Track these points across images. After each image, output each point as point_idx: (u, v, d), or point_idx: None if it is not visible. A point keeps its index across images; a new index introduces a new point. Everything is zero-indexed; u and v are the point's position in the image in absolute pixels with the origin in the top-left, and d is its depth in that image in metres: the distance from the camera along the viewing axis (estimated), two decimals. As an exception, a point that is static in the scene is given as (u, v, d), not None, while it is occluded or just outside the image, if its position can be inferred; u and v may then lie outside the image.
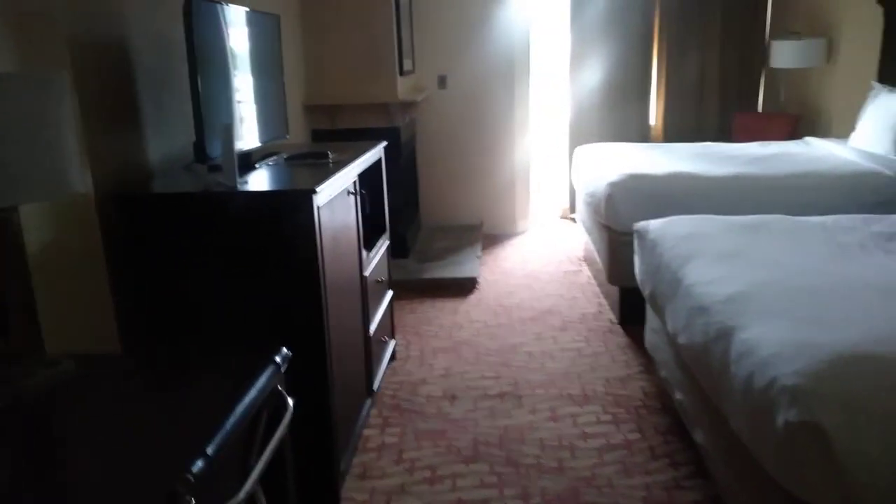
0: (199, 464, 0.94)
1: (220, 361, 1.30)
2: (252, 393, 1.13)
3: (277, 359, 1.27)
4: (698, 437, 2.12)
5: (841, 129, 4.41)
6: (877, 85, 3.97)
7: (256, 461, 1.13)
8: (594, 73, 5.34)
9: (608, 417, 2.65)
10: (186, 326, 2.02)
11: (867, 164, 3.44)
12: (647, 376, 2.95)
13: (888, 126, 3.62)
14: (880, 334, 1.52)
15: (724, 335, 1.77)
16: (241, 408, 1.08)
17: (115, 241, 1.97)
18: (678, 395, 2.34)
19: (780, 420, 1.41)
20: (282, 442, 1.21)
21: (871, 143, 3.69)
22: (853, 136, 3.93)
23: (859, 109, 3.99)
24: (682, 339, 2.07)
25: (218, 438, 0.99)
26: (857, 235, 2.35)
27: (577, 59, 5.31)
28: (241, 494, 1.01)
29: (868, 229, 2.41)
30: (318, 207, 1.98)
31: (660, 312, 2.38)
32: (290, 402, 1.27)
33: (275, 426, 1.24)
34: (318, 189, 1.96)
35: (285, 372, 1.31)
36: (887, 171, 3.31)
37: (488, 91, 5.10)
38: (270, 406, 1.24)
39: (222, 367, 1.27)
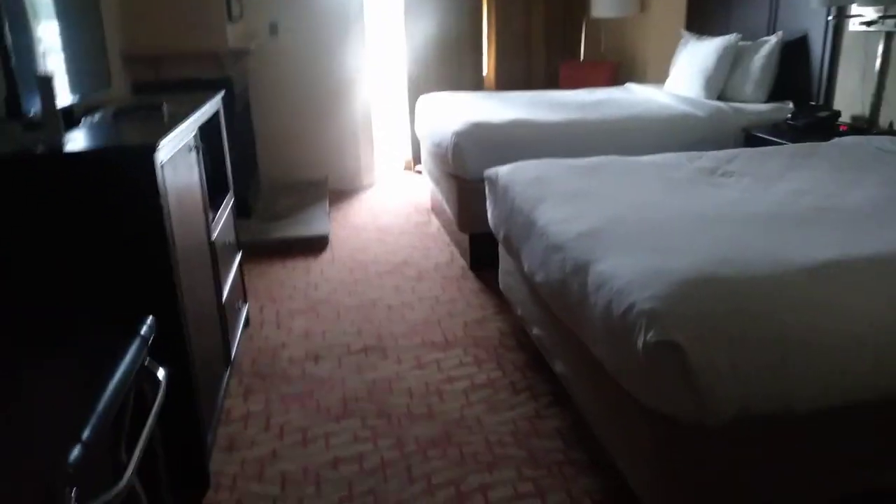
0: (76, 452, 0.84)
1: (77, 339, 1.16)
2: (121, 369, 1.03)
3: (143, 330, 1.15)
4: (558, 367, 2.25)
5: (656, 74, 4.78)
6: (685, 33, 4.33)
7: (129, 443, 1.03)
8: (428, 24, 5.33)
9: (470, 359, 2.74)
10: (14, 305, 1.78)
11: (682, 107, 3.76)
12: (502, 317, 3.08)
13: (697, 71, 3.97)
14: (721, 257, 1.69)
15: (581, 269, 1.87)
16: (112, 386, 0.98)
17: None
18: (536, 331, 2.46)
19: (639, 342, 1.52)
20: (156, 419, 1.11)
21: (684, 88, 4.04)
22: (668, 81, 4.28)
23: (672, 56, 4.34)
24: (538, 277, 2.17)
25: (92, 422, 0.89)
26: (684, 171, 2.57)
27: (410, 9, 5.26)
28: (124, 480, 0.92)
29: (692, 165, 2.65)
30: (161, 165, 1.82)
31: (515, 254, 2.48)
32: (162, 374, 1.17)
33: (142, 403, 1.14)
34: (159, 144, 1.79)
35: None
36: (699, 113, 3.65)
37: (323, 39, 4.92)
38: (137, 382, 1.14)
39: (81, 345, 1.13)
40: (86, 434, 0.87)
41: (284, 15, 4.81)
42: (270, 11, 4.79)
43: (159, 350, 1.37)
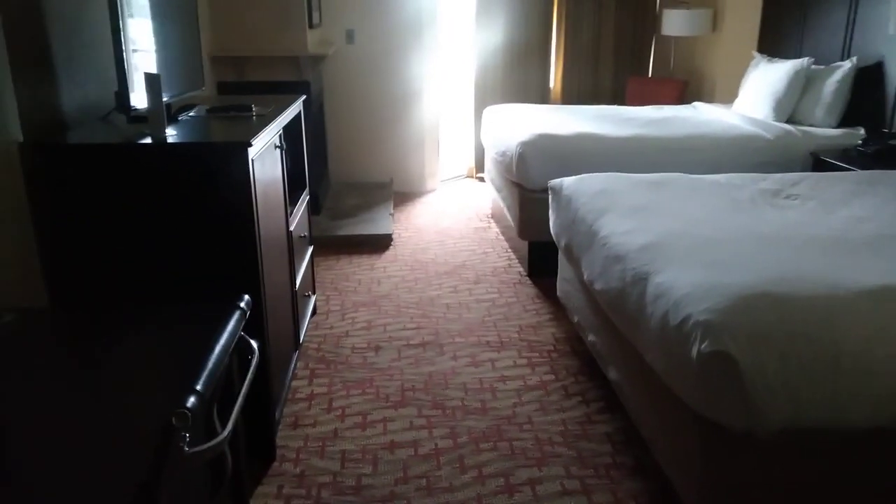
0: (192, 399, 0.98)
1: (188, 309, 1.32)
2: (225, 335, 1.17)
3: (242, 305, 1.30)
4: (611, 374, 2.33)
5: (725, 94, 4.78)
6: (757, 55, 4.33)
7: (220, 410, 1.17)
8: (498, 35, 5.45)
9: (524, 361, 2.83)
10: (118, 281, 1.97)
11: (750, 128, 3.77)
12: (556, 323, 3.16)
13: (767, 93, 3.97)
14: (774, 275, 1.74)
15: (640, 280, 1.95)
16: (218, 348, 1.12)
17: (41, 193, 1.88)
18: (591, 338, 2.54)
19: (693, 351, 1.60)
20: (251, 383, 1.25)
21: (752, 109, 4.04)
22: (737, 101, 4.28)
23: (741, 77, 4.35)
24: (598, 286, 2.25)
25: (204, 376, 1.03)
26: (748, 192, 2.61)
27: (481, 19, 5.39)
28: (229, 426, 1.06)
29: (756, 186, 2.68)
30: (252, 160, 1.98)
31: (575, 262, 2.56)
32: (255, 345, 1.31)
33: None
34: (253, 141, 1.95)
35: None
36: (767, 135, 3.65)
37: (396, 47, 5.10)
38: (237, 349, 1.28)
39: (192, 314, 1.29)
40: (199, 385, 1.01)
41: (361, 23, 5.01)
42: (348, 20, 5.00)
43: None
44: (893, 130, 3.47)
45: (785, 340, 1.55)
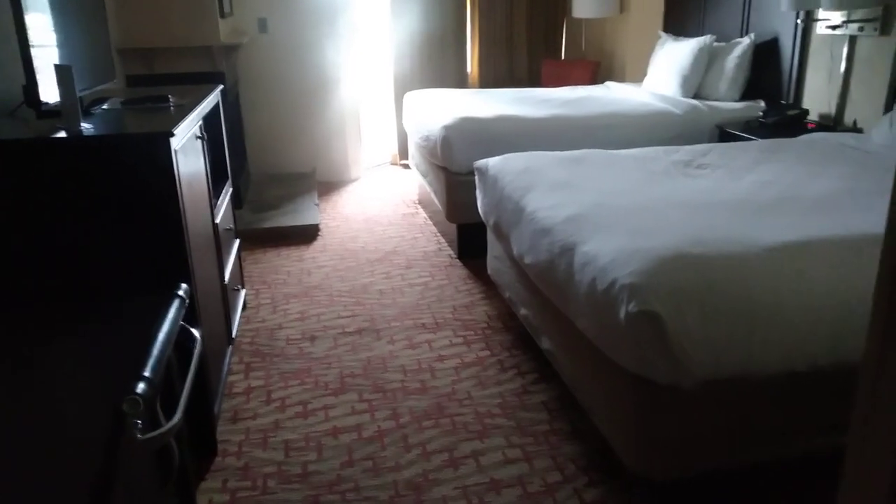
0: (142, 385, 0.97)
1: (127, 300, 1.29)
2: (167, 323, 1.16)
3: (180, 293, 1.28)
4: (544, 343, 2.41)
5: (635, 73, 4.97)
6: (663, 34, 4.52)
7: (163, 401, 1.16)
8: (414, 22, 5.46)
9: (459, 340, 2.89)
10: (43, 281, 1.89)
11: (660, 104, 3.95)
12: (489, 301, 3.23)
13: (674, 71, 4.16)
14: (691, 238, 1.85)
15: (567, 250, 2.03)
16: (162, 335, 1.11)
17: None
18: (523, 311, 2.62)
19: (621, 312, 1.68)
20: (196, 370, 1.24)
21: (661, 86, 4.23)
22: (646, 79, 4.46)
23: (650, 55, 4.53)
24: (528, 260, 2.32)
25: (151, 363, 1.02)
26: (662, 164, 2.74)
27: (396, 5, 5.39)
28: (178, 413, 1.05)
29: (669, 158, 2.82)
30: (175, 151, 1.94)
31: (504, 239, 2.63)
32: (197, 333, 1.30)
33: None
34: (175, 131, 1.91)
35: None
36: (676, 110, 3.84)
37: (310, 36, 5.03)
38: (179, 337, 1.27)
39: (131, 305, 1.26)
40: (147, 371, 1.00)
41: (274, 12, 4.92)
42: (260, 8, 4.90)
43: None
44: (790, 102, 3.71)
45: (704, 296, 1.66)
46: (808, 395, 1.78)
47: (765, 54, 3.86)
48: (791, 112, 3.50)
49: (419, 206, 4.67)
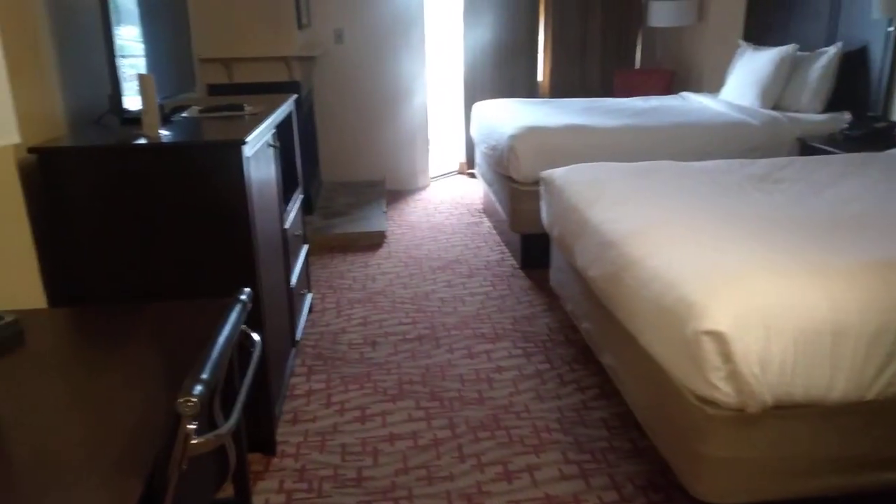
0: (198, 388, 1.00)
1: (189, 304, 1.34)
2: (228, 326, 1.19)
3: (243, 297, 1.32)
4: (606, 359, 2.36)
5: (712, 84, 4.82)
6: (742, 43, 4.37)
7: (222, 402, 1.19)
8: (485, 31, 5.48)
9: (519, 351, 2.86)
10: (115, 281, 1.99)
11: (737, 116, 3.82)
12: (550, 313, 3.19)
13: (753, 81, 4.01)
14: (762, 256, 1.78)
15: (634, 263, 1.98)
16: (222, 339, 1.14)
17: (37, 196, 1.90)
18: (585, 325, 2.57)
19: (687, 331, 1.63)
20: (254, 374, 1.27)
21: (739, 97, 4.09)
22: (723, 90, 4.32)
23: (727, 65, 4.39)
24: (592, 272, 2.28)
25: (209, 366, 1.05)
26: (735, 177, 2.64)
27: (469, 16, 5.42)
28: (235, 415, 1.08)
29: (743, 172, 2.72)
30: (247, 158, 2.00)
31: (568, 251, 2.59)
32: (257, 337, 1.33)
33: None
34: (247, 140, 1.97)
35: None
36: (754, 122, 3.70)
37: (384, 47, 5.12)
38: (239, 341, 1.30)
39: (193, 309, 1.31)
40: (205, 374, 1.03)
41: (349, 23, 5.03)
42: (337, 20, 5.01)
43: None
44: (878, 114, 3.51)
45: (773, 317, 1.59)
46: (884, 425, 1.67)
47: (852, 64, 3.68)
48: (879, 125, 3.32)
49: (484, 216, 4.67)
